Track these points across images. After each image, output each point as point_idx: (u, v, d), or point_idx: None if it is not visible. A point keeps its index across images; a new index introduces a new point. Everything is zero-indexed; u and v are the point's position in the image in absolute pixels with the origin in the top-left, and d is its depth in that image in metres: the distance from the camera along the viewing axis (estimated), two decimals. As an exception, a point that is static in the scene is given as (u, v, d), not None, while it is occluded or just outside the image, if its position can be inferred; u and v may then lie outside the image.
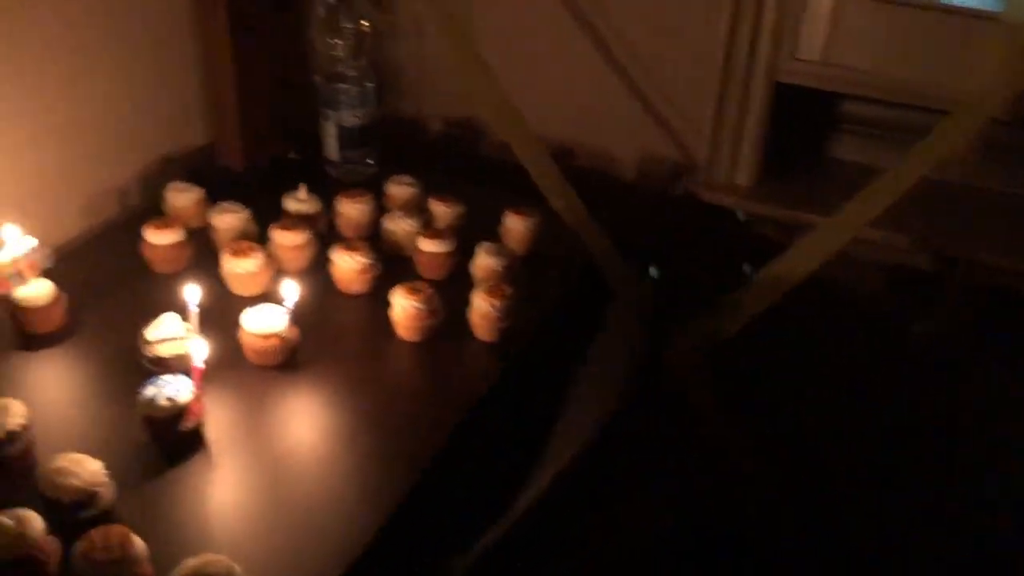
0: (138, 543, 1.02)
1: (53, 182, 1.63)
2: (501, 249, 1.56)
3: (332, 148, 1.90)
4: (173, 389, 1.19)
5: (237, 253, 1.50)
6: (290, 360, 1.38)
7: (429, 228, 1.62)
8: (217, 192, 1.73)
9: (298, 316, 1.38)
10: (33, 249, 1.40)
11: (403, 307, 1.41)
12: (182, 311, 1.34)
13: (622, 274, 1.61)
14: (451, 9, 1.57)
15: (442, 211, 1.70)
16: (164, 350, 1.30)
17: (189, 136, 1.89)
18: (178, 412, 1.18)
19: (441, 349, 1.44)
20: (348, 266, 1.52)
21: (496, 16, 1.94)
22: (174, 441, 1.19)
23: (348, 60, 1.84)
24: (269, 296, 1.48)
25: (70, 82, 1.61)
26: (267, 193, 1.72)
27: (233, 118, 1.83)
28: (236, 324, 1.37)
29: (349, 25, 1.83)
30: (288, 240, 1.57)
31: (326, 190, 1.73)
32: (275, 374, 1.36)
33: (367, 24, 1.86)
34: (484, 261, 1.54)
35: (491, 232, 1.67)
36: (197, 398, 1.20)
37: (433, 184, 1.78)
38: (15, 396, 1.21)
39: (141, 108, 1.77)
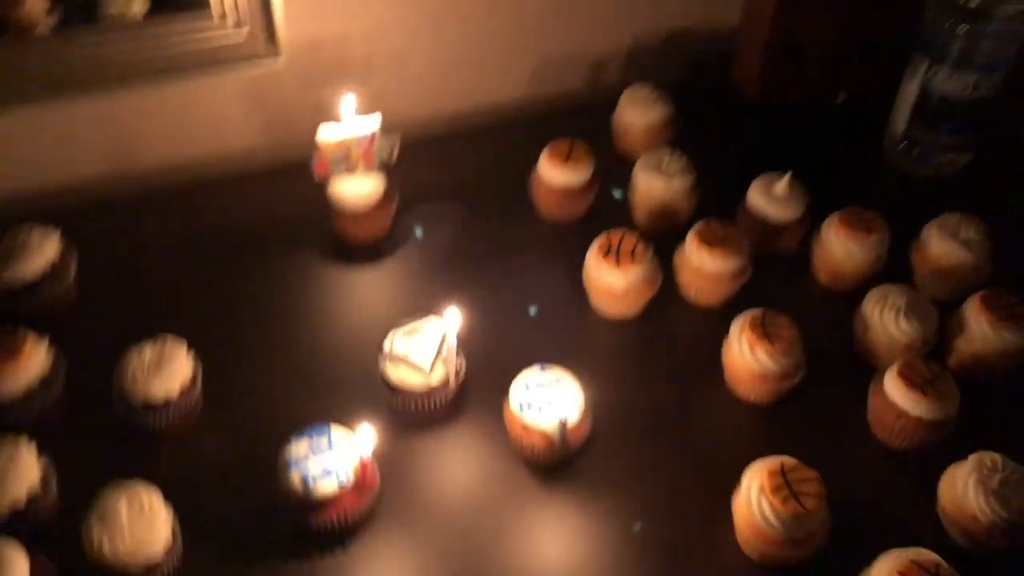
0: None
1: (504, 38, 1.21)
2: None
3: (900, 118, 1.16)
4: (322, 465, 0.79)
5: (613, 258, 0.97)
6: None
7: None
8: (698, 119, 1.17)
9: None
10: (373, 133, 1.03)
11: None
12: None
13: None
14: None
15: None
16: (397, 373, 0.88)
17: (709, 17, 1.29)
18: (313, 502, 0.79)
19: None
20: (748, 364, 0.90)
21: None
22: (304, 528, 0.81)
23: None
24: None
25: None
26: (763, 146, 1.14)
27: (767, 18, 1.17)
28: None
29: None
30: (709, 264, 0.98)
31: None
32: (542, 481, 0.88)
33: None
34: None
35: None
36: (345, 493, 0.79)
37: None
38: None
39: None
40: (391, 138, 1.05)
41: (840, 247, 1.01)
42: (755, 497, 0.79)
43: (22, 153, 1.10)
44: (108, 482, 0.78)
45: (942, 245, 1.00)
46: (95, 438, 0.88)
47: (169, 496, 0.79)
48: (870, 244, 1.00)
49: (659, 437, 0.91)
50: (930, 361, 0.89)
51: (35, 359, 0.87)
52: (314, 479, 0.78)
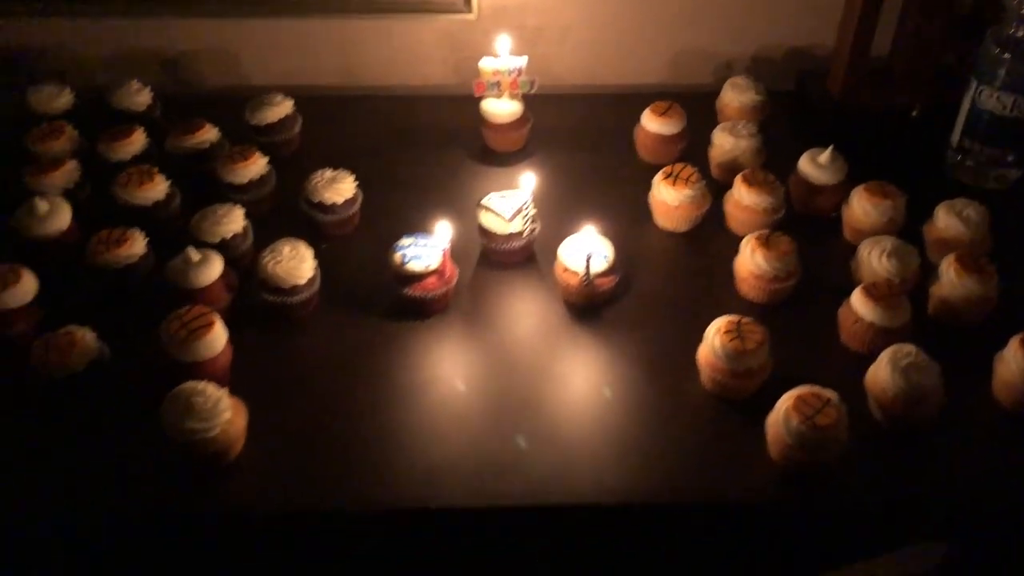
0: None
1: (652, 28, 1.55)
2: None
3: (955, 131, 1.38)
4: (417, 252, 1.14)
5: (671, 180, 1.26)
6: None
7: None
8: (790, 112, 1.47)
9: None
10: (519, 69, 1.39)
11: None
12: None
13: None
14: None
15: None
16: (486, 220, 1.22)
17: (816, 39, 1.56)
18: (405, 275, 1.14)
19: None
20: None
21: None
22: (399, 296, 1.16)
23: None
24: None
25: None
26: (835, 138, 1.36)
27: (851, 29, 1.40)
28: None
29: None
30: (746, 198, 1.25)
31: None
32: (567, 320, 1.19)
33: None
34: None
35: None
36: (428, 275, 1.13)
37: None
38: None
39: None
40: (532, 76, 1.40)
41: (859, 207, 1.24)
42: (711, 336, 1.06)
43: (277, 56, 1.57)
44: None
45: (946, 220, 1.22)
46: (285, 221, 1.29)
47: (322, 259, 1.18)
48: (884, 208, 1.23)
49: (668, 306, 1.19)
50: (893, 285, 1.11)
51: (257, 164, 1.29)
52: (408, 258, 1.13)
